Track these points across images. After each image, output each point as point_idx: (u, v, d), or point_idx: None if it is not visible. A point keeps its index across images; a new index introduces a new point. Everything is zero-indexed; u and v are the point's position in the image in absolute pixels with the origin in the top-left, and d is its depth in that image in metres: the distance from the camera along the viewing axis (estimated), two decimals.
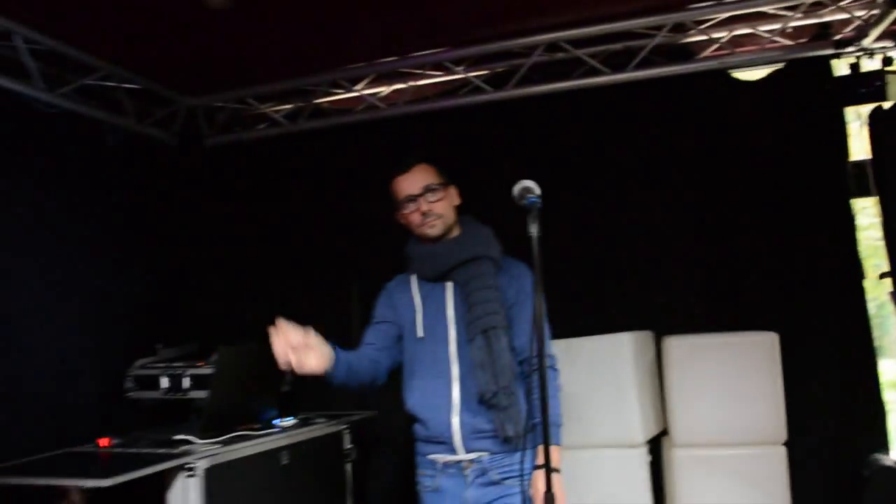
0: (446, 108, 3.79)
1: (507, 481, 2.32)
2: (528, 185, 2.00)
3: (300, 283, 4.14)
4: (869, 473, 3.15)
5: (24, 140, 3.34)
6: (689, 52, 3.54)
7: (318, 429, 3.19)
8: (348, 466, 3.32)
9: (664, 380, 3.39)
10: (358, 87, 3.86)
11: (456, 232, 2.47)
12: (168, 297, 4.10)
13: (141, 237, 4.00)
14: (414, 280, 2.50)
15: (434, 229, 2.42)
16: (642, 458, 3.34)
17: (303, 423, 3.20)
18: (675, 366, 3.33)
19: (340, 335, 3.88)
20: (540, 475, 2.14)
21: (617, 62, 3.55)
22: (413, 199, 2.41)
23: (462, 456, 2.33)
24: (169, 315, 4.06)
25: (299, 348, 2.09)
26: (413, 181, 2.43)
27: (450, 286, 2.43)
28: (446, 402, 2.34)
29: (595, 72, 3.55)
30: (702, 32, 3.43)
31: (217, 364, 3.00)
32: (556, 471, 2.20)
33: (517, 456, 2.28)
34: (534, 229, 1.93)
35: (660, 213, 3.67)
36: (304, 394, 3.73)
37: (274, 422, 3.10)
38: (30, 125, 3.35)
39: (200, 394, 3.53)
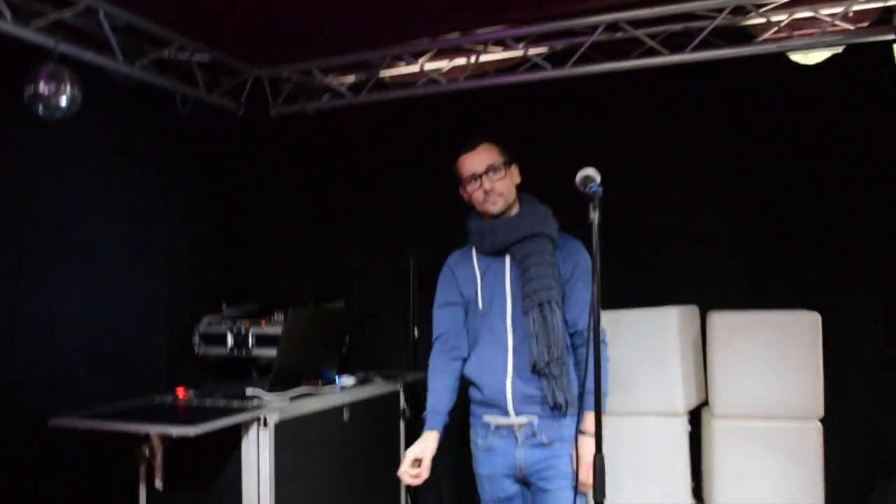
0: (506, 84, 3.84)
1: (556, 444, 2.48)
2: (590, 174, 2.11)
3: (358, 253, 4.33)
4: None
5: (105, 110, 3.54)
6: (749, 35, 3.55)
7: (376, 388, 3.39)
8: (402, 425, 3.52)
9: (707, 353, 3.52)
10: (420, 61, 3.93)
11: (516, 209, 2.59)
12: (232, 260, 4.36)
13: (208, 202, 4.25)
14: (474, 254, 2.63)
15: (496, 206, 2.54)
16: (683, 427, 3.50)
17: (361, 382, 3.39)
18: (719, 340, 3.45)
19: (398, 304, 4.13)
20: (583, 440, 2.34)
21: (676, 43, 3.58)
22: (477, 177, 2.53)
23: (514, 419, 2.48)
24: (232, 277, 4.32)
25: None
26: (477, 160, 2.55)
27: (508, 260, 2.55)
28: (501, 368, 2.49)
29: (654, 52, 3.58)
30: (761, 15, 3.43)
31: (286, 325, 3.20)
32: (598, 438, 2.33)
33: (566, 420, 2.47)
34: (595, 216, 2.03)
35: (710, 193, 3.76)
36: (361, 354, 3.94)
37: (336, 379, 3.30)
38: (109, 96, 3.55)
39: (263, 351, 3.78)
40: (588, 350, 2.30)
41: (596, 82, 3.78)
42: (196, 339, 3.93)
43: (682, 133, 3.77)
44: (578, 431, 2.39)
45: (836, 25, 3.42)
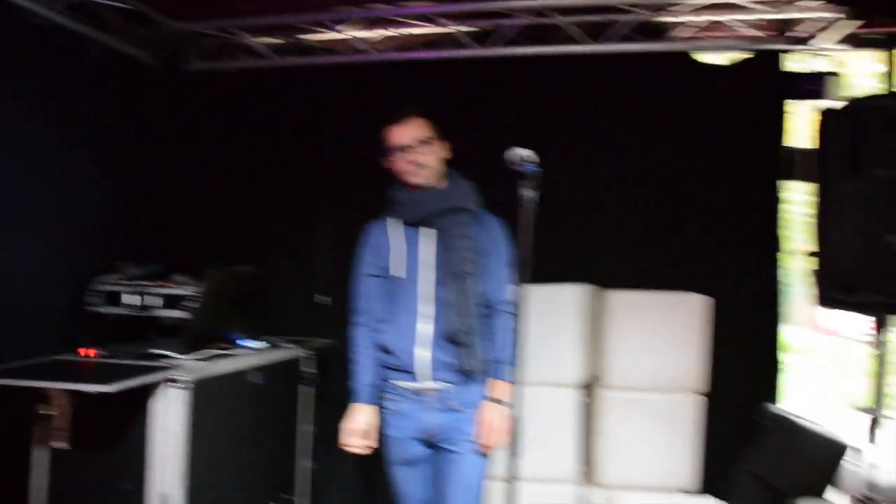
0: (431, 59, 3.90)
1: (464, 409, 2.63)
2: (526, 153, 2.29)
3: (268, 218, 4.26)
4: (761, 420, 3.59)
5: (10, 48, 3.33)
6: (664, 32, 3.77)
7: (286, 353, 3.44)
8: (311, 389, 3.58)
9: (602, 329, 3.75)
10: (342, 28, 3.92)
11: (440, 183, 2.70)
12: (136, 217, 4.16)
13: (113, 154, 4.02)
14: (393, 223, 2.72)
15: (421, 179, 2.65)
16: (577, 397, 3.72)
17: (271, 346, 3.43)
18: (613, 318, 3.70)
19: (307, 270, 4.13)
20: (489, 405, 2.58)
21: (596, 33, 3.74)
22: (405, 148, 2.63)
23: (425, 384, 2.62)
24: (135, 235, 4.15)
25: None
26: (407, 132, 2.65)
27: (428, 232, 2.66)
28: (415, 336, 2.61)
29: (574, 40, 3.74)
30: (677, 15, 3.65)
31: (204, 285, 3.18)
32: (505, 403, 2.54)
33: (475, 387, 2.63)
34: (530, 194, 2.20)
35: (614, 179, 3.95)
36: (271, 319, 3.94)
37: (245, 343, 3.32)
38: (16, 35, 3.34)
39: (168, 312, 3.70)
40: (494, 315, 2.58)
41: (519, 65, 3.89)
42: (95, 298, 3.80)
43: (591, 120, 3.94)
44: (484, 397, 2.58)
45: (739, 32, 3.68)
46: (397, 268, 2.66)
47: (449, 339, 2.59)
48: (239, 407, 3.12)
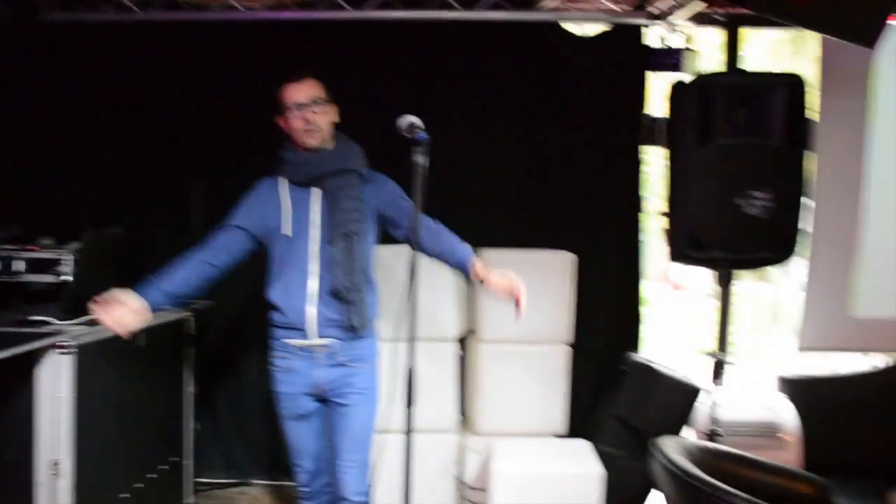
0: (303, 20, 3.88)
1: (353, 363, 2.74)
2: (416, 121, 2.40)
3: (138, 179, 4.14)
4: (625, 368, 3.91)
5: None
6: (533, 2, 3.93)
7: (168, 315, 3.39)
8: (192, 350, 3.57)
9: (477, 285, 3.94)
10: None
11: (330, 145, 2.75)
12: None
13: None
14: (283, 183, 2.76)
15: (313, 139, 2.70)
16: (454, 351, 3.91)
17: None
18: None
19: (183, 233, 4.07)
20: (496, 273, 2.76)
21: (469, 1, 3.85)
22: (300, 106, 2.67)
23: (314, 341, 2.70)
24: None
25: (121, 314, 2.56)
26: (303, 91, 2.69)
27: (317, 192, 2.72)
28: (304, 293, 2.68)
29: (448, 6, 3.83)
30: None
31: (82, 248, 3.09)
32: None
33: (362, 342, 2.74)
34: (422, 160, 2.34)
35: (486, 145, 4.11)
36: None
37: None
38: None
39: (38, 277, 3.56)
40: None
41: (394, 30, 3.95)
42: None
43: (464, 85, 4.06)
44: (479, 278, 2.76)
45: (604, 5, 3.88)
46: (286, 226, 2.70)
47: (336, 296, 2.67)
48: (125, 370, 3.08)
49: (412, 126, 2.41)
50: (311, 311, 2.68)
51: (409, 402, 2.43)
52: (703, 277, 5.46)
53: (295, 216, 2.71)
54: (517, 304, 2.73)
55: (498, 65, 4.07)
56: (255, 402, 4.16)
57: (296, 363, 2.73)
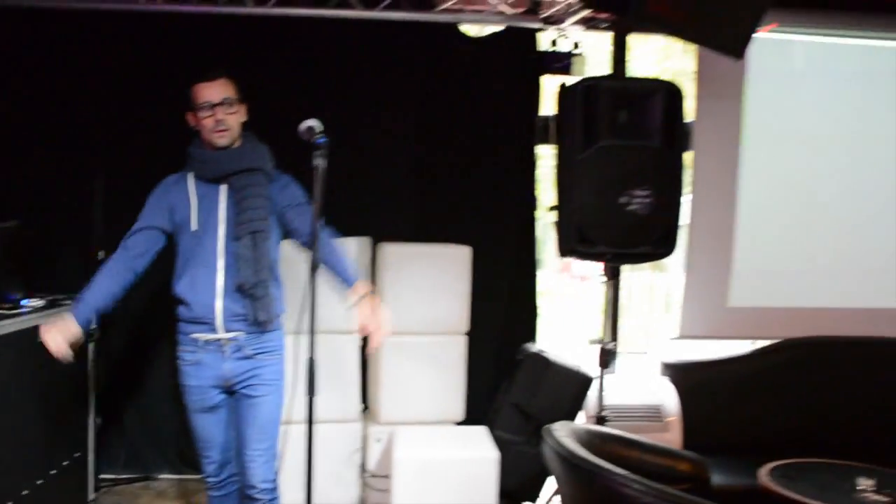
0: (204, 13, 3.87)
1: (260, 356, 2.81)
2: (315, 125, 2.46)
3: (35, 172, 4.06)
4: (521, 357, 4.07)
5: None
6: (431, 3, 4.06)
7: (64, 309, 3.35)
8: (91, 345, 3.55)
9: (377, 279, 4.04)
10: None
11: (238, 143, 2.80)
12: None
13: None
14: (191, 179, 2.80)
15: (223, 139, 2.74)
16: (355, 342, 3.99)
17: (50, 304, 3.35)
18: (387, 268, 3.97)
19: (82, 227, 4.01)
20: (369, 299, 2.79)
21: (370, 0, 3.93)
22: (211, 106, 2.71)
23: (221, 335, 2.75)
24: None
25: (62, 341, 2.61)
26: (215, 90, 2.72)
27: (224, 188, 2.77)
28: (211, 288, 2.73)
29: (348, 5, 3.91)
30: None
31: None
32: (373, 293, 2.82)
33: (268, 335, 2.81)
34: (321, 163, 2.42)
35: (387, 141, 4.23)
36: (45, 277, 3.81)
37: (22, 302, 3.22)
38: None
39: None
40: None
41: (296, 26, 4.00)
42: None
43: (368, 84, 4.17)
44: (359, 297, 2.79)
45: (498, 8, 4.04)
46: (194, 222, 2.74)
47: (242, 292, 2.72)
48: (29, 367, 3.06)
49: (311, 130, 2.47)
50: (219, 305, 2.73)
51: (311, 391, 2.52)
52: (597, 269, 5.70)
53: (202, 212, 2.76)
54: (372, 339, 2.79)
55: (400, 63, 4.19)
56: (158, 397, 4.19)
57: (204, 357, 2.78)
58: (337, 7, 3.92)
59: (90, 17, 3.92)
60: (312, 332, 2.51)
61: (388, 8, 3.92)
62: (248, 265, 2.71)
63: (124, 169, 4.02)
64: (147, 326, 4.14)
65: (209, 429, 2.86)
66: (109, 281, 2.75)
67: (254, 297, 2.73)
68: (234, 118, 2.76)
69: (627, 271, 9.39)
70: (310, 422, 2.56)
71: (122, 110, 4.03)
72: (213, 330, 2.75)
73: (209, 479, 2.94)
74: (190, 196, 2.78)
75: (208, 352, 2.78)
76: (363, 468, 4.00)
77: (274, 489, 2.87)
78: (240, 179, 2.76)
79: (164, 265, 3.98)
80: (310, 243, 2.66)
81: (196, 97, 2.74)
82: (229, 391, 2.84)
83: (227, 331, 2.76)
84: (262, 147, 2.85)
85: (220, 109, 2.72)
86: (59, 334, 2.61)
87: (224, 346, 2.77)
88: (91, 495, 3.71)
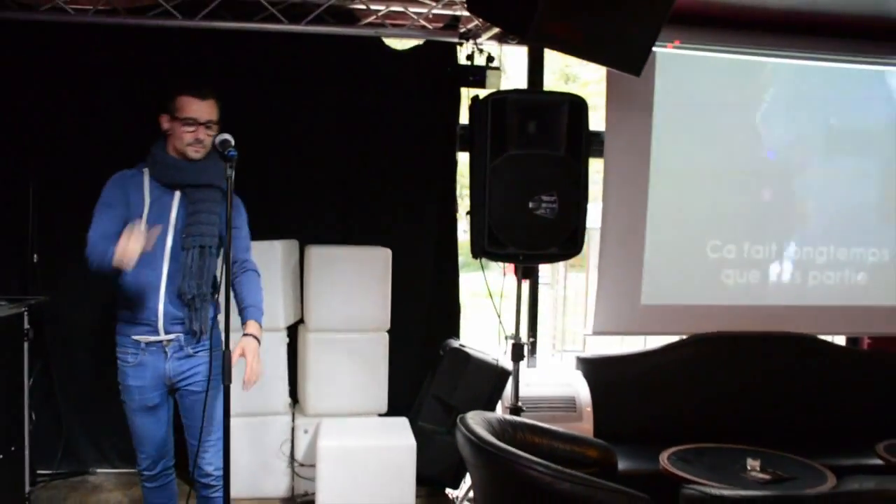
0: (133, 25, 3.98)
1: (201, 353, 2.88)
2: (227, 139, 2.59)
3: None
4: (443, 352, 4.29)
5: None
6: (355, 18, 4.23)
7: (3, 310, 3.45)
8: (26, 345, 3.65)
9: (304, 279, 4.22)
10: None
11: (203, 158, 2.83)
12: None
13: None
14: (147, 179, 2.81)
15: (197, 153, 2.79)
16: (282, 340, 4.19)
17: None
18: (314, 269, 4.16)
19: (14, 229, 4.13)
20: (247, 340, 2.80)
21: (294, 14, 4.08)
22: (196, 123, 2.75)
23: (163, 337, 2.81)
24: None
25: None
26: (204, 109, 2.77)
27: (178, 196, 2.81)
28: (155, 291, 2.78)
29: (275, 19, 4.06)
30: (364, 3, 4.10)
31: None
32: (257, 339, 2.83)
33: (204, 342, 2.88)
34: (231, 174, 2.52)
35: (314, 148, 4.39)
36: None
37: None
38: None
39: None
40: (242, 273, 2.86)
41: (225, 39, 4.15)
42: None
43: (295, 95, 4.34)
44: (244, 334, 2.82)
45: (419, 23, 4.25)
46: (145, 224, 2.72)
47: (182, 300, 2.78)
48: None
49: (224, 143, 2.59)
50: (161, 308, 2.77)
51: (225, 378, 2.62)
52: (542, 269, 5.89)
53: (153, 214, 2.77)
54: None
55: (326, 76, 4.36)
56: (94, 392, 4.29)
57: (145, 357, 2.82)
58: (263, 21, 4.07)
59: (19, 27, 4.01)
60: (227, 329, 2.63)
61: (313, 22, 4.09)
62: (192, 277, 2.77)
63: (56, 176, 4.17)
64: (78, 324, 4.25)
65: (148, 427, 2.90)
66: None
67: (191, 307, 2.79)
68: (210, 138, 2.77)
69: (571, 274, 9.68)
70: (226, 413, 2.64)
71: (52, 119, 4.15)
72: (155, 332, 2.81)
73: (144, 472, 2.99)
74: (145, 195, 2.80)
75: (150, 353, 2.83)
76: (292, 458, 4.19)
77: (222, 476, 2.89)
78: (196, 192, 2.80)
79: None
80: (240, 268, 2.85)
81: (182, 108, 2.76)
82: (171, 389, 2.91)
83: (168, 333, 2.81)
84: (221, 164, 2.77)
85: (202, 129, 2.76)
86: (138, 243, 2.56)
87: (166, 347, 2.83)
88: (27, 489, 3.77)
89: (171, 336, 2.82)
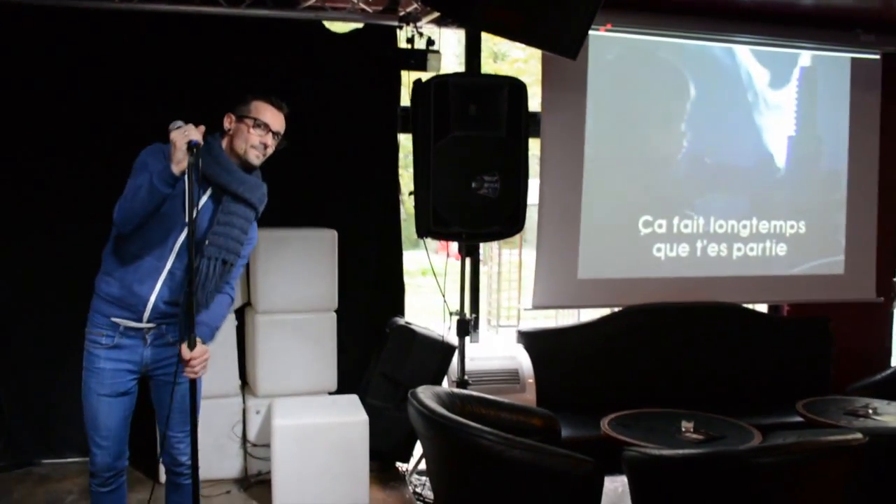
0: (71, 7, 3.93)
1: (176, 342, 2.73)
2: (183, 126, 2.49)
3: None
4: (389, 330, 4.39)
5: None
6: (294, 1, 4.26)
7: None
8: None
9: (251, 261, 4.19)
10: None
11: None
12: None
13: None
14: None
15: (258, 159, 2.75)
16: (231, 322, 4.20)
17: None
18: (260, 252, 4.15)
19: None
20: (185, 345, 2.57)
21: None
22: (267, 130, 2.73)
23: (145, 325, 2.73)
24: None
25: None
26: (277, 119, 2.76)
27: (208, 193, 2.70)
28: (154, 282, 2.68)
29: (214, 2, 4.06)
30: None
31: None
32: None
33: None
34: (195, 161, 2.41)
35: None
36: None
37: None
38: None
39: None
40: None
41: (161, 22, 4.12)
42: None
43: (239, 78, 4.22)
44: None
45: (358, 6, 4.30)
46: (173, 209, 2.63)
47: (181, 305, 2.65)
48: None
49: (193, 145, 2.46)
50: (152, 301, 2.69)
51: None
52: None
53: (183, 206, 2.61)
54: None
55: (266, 59, 4.35)
56: (36, 381, 4.26)
57: (123, 341, 2.73)
58: (202, 4, 4.06)
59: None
60: (191, 318, 2.58)
61: (253, 5, 4.11)
62: (207, 287, 2.68)
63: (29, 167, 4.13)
64: (15, 312, 4.21)
65: (113, 415, 2.76)
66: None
67: (190, 314, 2.61)
68: (272, 150, 2.78)
69: (505, 251, 9.89)
70: (193, 400, 2.64)
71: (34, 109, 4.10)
72: (138, 320, 2.72)
73: (99, 475, 2.82)
74: (185, 182, 2.56)
75: (129, 337, 2.75)
76: (244, 439, 4.24)
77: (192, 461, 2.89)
78: (231, 204, 2.72)
79: (29, 248, 4.06)
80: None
81: (257, 112, 2.73)
82: (144, 376, 2.83)
83: (149, 322, 2.74)
84: (264, 187, 2.86)
85: (271, 137, 2.74)
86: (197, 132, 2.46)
87: (146, 334, 2.76)
88: None
89: (153, 324, 2.74)
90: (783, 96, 5.20)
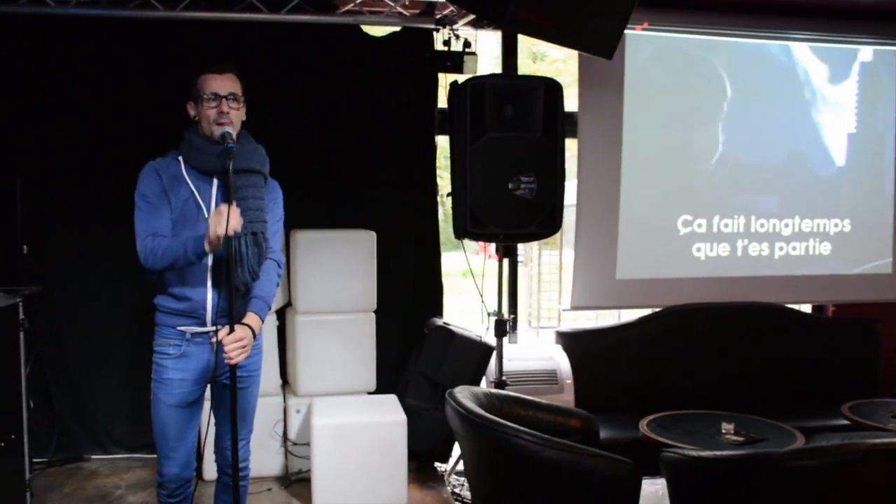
0: (112, 17, 4.03)
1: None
2: (229, 131, 2.58)
3: None
4: (427, 330, 4.43)
5: None
6: (333, 6, 4.32)
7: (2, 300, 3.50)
8: (22, 335, 3.72)
9: (291, 263, 4.30)
10: None
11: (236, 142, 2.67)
12: None
13: None
14: (183, 167, 2.68)
15: (225, 131, 2.60)
16: (272, 322, 4.29)
17: None
18: (301, 253, 4.25)
19: (4, 227, 4.17)
20: (240, 328, 2.59)
21: (274, 3, 4.17)
22: (217, 98, 2.63)
23: (210, 328, 2.70)
24: None
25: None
26: (223, 83, 2.66)
27: (216, 184, 2.69)
28: (203, 282, 2.67)
29: (254, 8, 4.14)
30: None
31: None
32: (252, 331, 2.64)
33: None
34: (230, 165, 2.48)
35: (299, 136, 4.48)
36: None
37: None
38: None
39: None
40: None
41: (205, 28, 4.19)
42: None
43: (281, 83, 4.41)
44: (241, 323, 2.62)
45: (397, 10, 4.34)
46: (191, 213, 2.65)
47: (236, 289, 2.61)
48: None
49: (223, 136, 2.57)
50: (210, 300, 2.68)
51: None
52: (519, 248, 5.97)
53: (200, 205, 2.66)
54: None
55: (306, 63, 4.44)
56: (87, 379, 4.38)
57: (190, 349, 2.71)
58: (243, 11, 4.14)
59: (3, 20, 4.03)
60: (233, 314, 2.61)
61: (293, 11, 4.17)
62: (247, 264, 2.66)
63: (43, 167, 4.22)
64: (70, 312, 4.33)
65: (182, 425, 2.75)
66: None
67: (242, 294, 2.68)
68: (237, 114, 2.69)
69: (545, 252, 9.85)
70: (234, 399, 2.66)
71: (39, 110, 4.19)
72: (203, 324, 2.71)
73: (167, 486, 2.80)
74: (187, 184, 2.67)
75: (196, 345, 2.73)
76: (285, 437, 4.30)
77: (248, 466, 2.96)
78: (240, 178, 2.65)
79: (82, 254, 4.17)
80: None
81: (202, 87, 2.66)
82: (211, 383, 2.81)
83: (213, 324, 2.71)
84: (260, 148, 2.80)
85: (225, 102, 2.65)
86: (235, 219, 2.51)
87: (212, 339, 2.72)
88: (27, 476, 3.79)
89: (217, 328, 2.68)
90: (842, 92, 5.10)
